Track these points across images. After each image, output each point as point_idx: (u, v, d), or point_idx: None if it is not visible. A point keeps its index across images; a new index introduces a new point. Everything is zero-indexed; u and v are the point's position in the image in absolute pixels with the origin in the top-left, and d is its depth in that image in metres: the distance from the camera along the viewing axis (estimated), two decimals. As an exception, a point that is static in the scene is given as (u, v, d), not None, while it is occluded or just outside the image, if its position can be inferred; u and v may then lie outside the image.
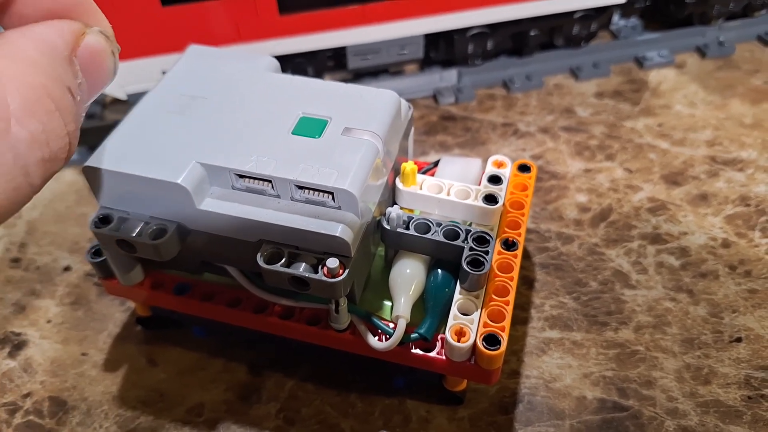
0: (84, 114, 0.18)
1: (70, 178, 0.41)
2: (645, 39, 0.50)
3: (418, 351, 0.26)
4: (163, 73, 0.33)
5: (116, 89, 0.39)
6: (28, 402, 0.30)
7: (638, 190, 0.39)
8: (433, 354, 0.26)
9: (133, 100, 0.39)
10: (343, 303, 0.25)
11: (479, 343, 0.24)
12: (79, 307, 0.34)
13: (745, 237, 0.36)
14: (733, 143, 0.42)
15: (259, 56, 0.29)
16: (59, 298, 0.34)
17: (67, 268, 0.36)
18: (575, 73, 0.48)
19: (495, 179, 0.28)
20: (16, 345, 0.32)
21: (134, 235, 0.24)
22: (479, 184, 0.29)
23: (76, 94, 0.17)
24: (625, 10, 0.50)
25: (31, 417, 0.29)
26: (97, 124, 0.43)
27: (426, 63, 0.48)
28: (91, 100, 0.19)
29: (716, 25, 0.51)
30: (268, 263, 0.23)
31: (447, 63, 0.48)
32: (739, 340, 0.31)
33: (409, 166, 0.27)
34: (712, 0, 0.49)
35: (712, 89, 0.46)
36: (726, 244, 0.36)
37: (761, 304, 0.32)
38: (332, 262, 0.23)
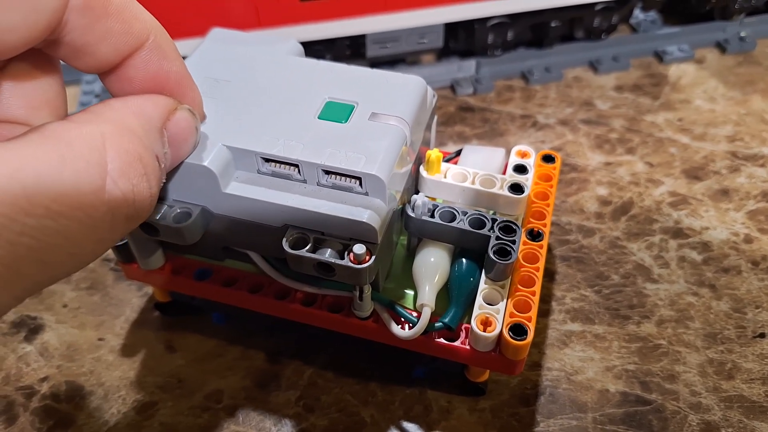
0: (164, 180, 0.20)
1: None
2: (665, 33, 0.49)
3: (441, 340, 0.25)
4: (183, 58, 0.33)
5: None
6: (45, 386, 0.30)
7: (659, 185, 0.38)
8: (457, 343, 0.25)
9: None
10: (367, 290, 0.25)
11: (505, 333, 0.24)
12: (95, 291, 0.34)
13: (768, 233, 0.35)
14: (754, 139, 0.41)
15: (283, 39, 0.28)
16: (75, 283, 0.34)
17: (83, 253, 0.36)
18: (594, 66, 0.47)
19: (520, 168, 0.28)
20: (33, 329, 0.32)
21: (158, 218, 0.24)
22: (503, 174, 0.28)
23: (162, 161, 0.19)
24: (645, 3, 0.50)
25: (48, 401, 0.29)
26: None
27: (444, 53, 0.47)
28: (171, 168, 0.21)
29: (737, 20, 0.50)
30: (293, 248, 0.23)
31: (465, 53, 0.47)
32: (762, 335, 0.31)
33: (434, 153, 0.27)
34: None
35: (732, 85, 0.46)
36: (748, 239, 0.35)
37: (785, 301, 0.32)
38: (359, 248, 0.22)
